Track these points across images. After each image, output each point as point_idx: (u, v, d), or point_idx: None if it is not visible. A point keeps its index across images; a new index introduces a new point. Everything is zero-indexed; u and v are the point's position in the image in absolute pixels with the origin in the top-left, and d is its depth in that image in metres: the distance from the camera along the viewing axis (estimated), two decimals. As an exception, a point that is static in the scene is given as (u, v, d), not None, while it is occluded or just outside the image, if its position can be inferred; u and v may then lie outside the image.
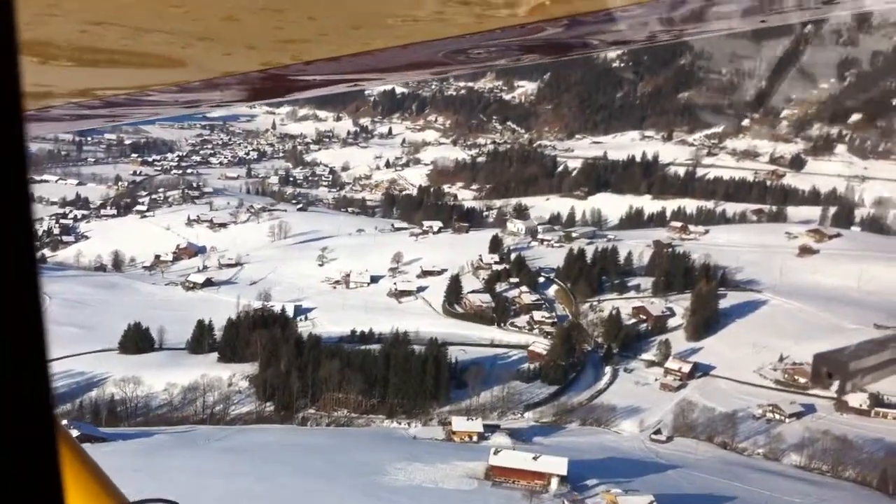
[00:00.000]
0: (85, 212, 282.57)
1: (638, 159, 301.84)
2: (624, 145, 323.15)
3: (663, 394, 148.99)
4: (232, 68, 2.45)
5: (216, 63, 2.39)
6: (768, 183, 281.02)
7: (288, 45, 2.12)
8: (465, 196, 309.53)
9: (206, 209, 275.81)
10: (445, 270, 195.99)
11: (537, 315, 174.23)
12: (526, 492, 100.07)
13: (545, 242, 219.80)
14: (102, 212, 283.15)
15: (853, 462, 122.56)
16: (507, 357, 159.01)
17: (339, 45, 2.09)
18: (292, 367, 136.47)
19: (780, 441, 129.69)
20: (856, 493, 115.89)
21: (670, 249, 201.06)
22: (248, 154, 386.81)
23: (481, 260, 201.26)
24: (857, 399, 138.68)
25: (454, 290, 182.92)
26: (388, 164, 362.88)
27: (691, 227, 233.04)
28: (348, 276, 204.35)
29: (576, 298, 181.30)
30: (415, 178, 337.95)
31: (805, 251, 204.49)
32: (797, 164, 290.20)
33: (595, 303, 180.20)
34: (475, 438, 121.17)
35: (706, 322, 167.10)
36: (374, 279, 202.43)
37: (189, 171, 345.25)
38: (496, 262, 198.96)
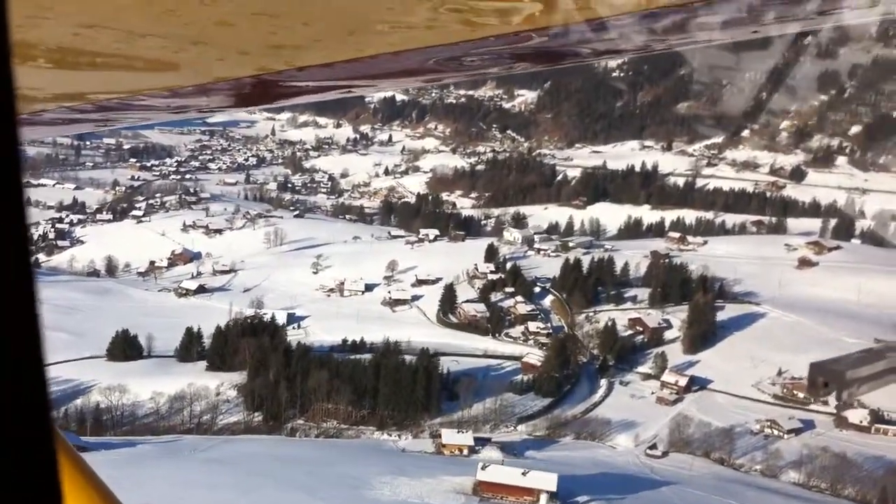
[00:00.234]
0: (81, 216, 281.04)
1: (637, 169, 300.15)
2: (623, 155, 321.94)
3: (659, 408, 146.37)
4: (225, 73, 2.44)
5: (209, 68, 2.38)
6: (768, 194, 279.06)
7: (281, 51, 2.12)
8: (464, 204, 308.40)
9: (203, 215, 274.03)
10: (441, 279, 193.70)
11: (532, 326, 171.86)
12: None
13: (541, 252, 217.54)
14: (98, 217, 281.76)
15: (852, 480, 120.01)
16: (501, 368, 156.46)
17: (333, 51, 2.08)
18: (281, 377, 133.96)
19: (777, 457, 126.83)
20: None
21: (668, 260, 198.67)
22: (247, 160, 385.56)
23: (477, 269, 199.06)
24: (857, 415, 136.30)
25: (448, 300, 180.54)
26: (387, 172, 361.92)
27: (690, 238, 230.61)
28: (342, 283, 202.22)
29: (571, 309, 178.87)
30: (414, 186, 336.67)
31: (804, 263, 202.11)
32: (797, 175, 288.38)
33: (591, 314, 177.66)
34: (465, 452, 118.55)
35: (703, 335, 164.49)
36: (369, 287, 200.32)
37: (187, 176, 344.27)
38: (492, 272, 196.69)
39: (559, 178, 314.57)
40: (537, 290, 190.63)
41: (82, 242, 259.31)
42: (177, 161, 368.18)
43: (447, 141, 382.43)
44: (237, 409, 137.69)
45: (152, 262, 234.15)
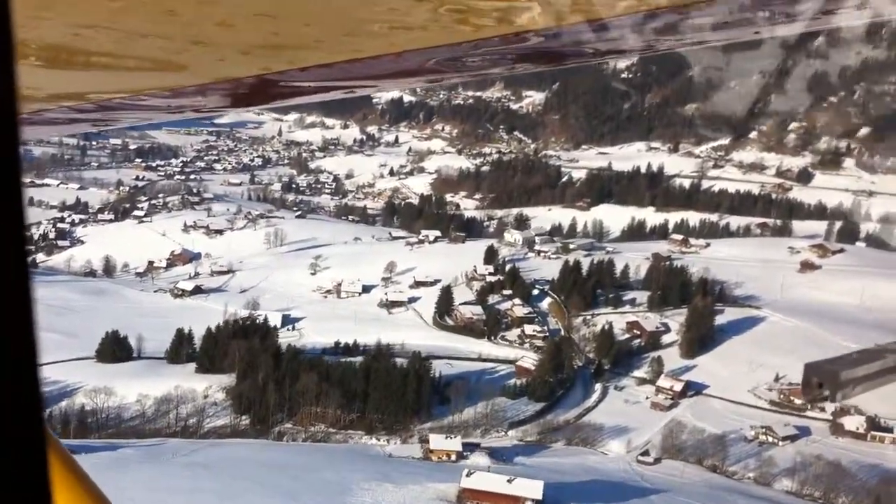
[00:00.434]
0: (83, 216, 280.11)
1: (643, 171, 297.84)
2: (630, 156, 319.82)
3: (654, 413, 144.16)
4: (226, 73, 2.44)
5: (210, 68, 2.38)
6: (774, 196, 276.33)
7: (282, 51, 2.12)
8: (468, 205, 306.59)
9: (205, 215, 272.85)
10: (439, 281, 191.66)
11: (528, 329, 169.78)
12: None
13: (542, 254, 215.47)
14: (100, 217, 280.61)
15: (846, 489, 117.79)
16: (495, 372, 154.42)
17: (333, 51, 2.08)
18: (269, 380, 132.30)
19: (771, 465, 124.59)
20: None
21: (668, 263, 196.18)
22: (252, 161, 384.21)
23: (475, 271, 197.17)
24: (853, 422, 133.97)
25: (445, 302, 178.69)
26: (392, 173, 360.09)
27: (692, 241, 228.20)
28: (340, 285, 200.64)
29: (569, 312, 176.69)
30: (418, 187, 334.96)
31: (807, 266, 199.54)
32: (804, 177, 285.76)
33: (589, 317, 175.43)
34: (453, 458, 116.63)
35: (701, 339, 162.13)
36: (367, 289, 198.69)
37: (192, 177, 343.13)
38: (490, 274, 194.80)
39: (564, 179, 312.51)
40: (536, 292, 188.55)
41: (82, 242, 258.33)
42: (182, 161, 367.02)
43: (454, 142, 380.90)
44: (225, 412, 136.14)
45: (151, 263, 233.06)
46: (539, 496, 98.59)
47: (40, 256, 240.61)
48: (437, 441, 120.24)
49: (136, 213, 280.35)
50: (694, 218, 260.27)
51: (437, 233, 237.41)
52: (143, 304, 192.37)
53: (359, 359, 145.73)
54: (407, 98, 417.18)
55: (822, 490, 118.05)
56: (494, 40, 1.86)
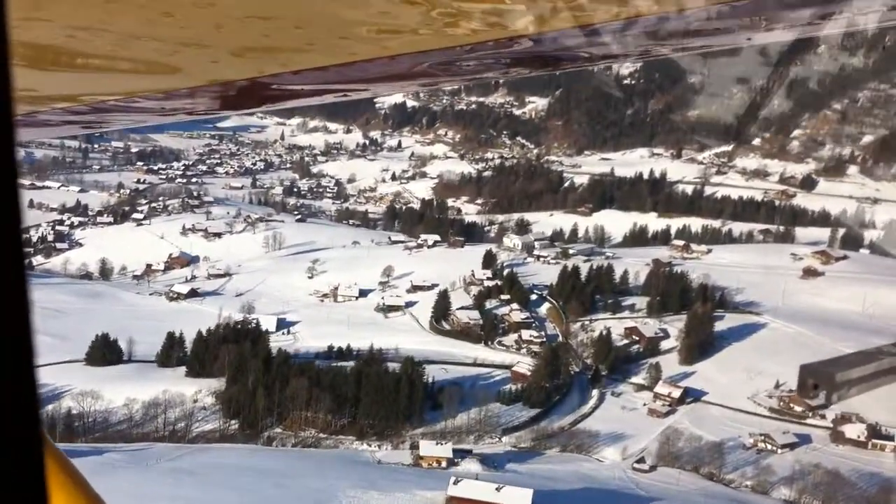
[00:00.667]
0: (82, 219, 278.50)
1: (646, 177, 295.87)
2: (632, 162, 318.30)
3: (651, 420, 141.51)
4: (219, 76, 2.45)
5: (204, 70, 2.38)
6: (777, 203, 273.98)
7: (275, 54, 2.13)
8: (470, 210, 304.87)
9: (204, 219, 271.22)
10: (437, 285, 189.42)
11: (525, 334, 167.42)
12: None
13: (541, 259, 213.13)
14: (99, 219, 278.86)
15: (845, 497, 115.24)
16: (490, 377, 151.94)
17: (327, 54, 2.08)
18: (259, 384, 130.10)
19: (769, 473, 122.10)
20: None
21: (668, 269, 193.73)
22: (254, 164, 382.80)
23: (473, 275, 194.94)
24: (854, 430, 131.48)
25: (442, 307, 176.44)
26: (394, 177, 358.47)
27: (693, 247, 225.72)
28: (336, 289, 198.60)
29: (567, 317, 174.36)
30: (420, 192, 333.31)
31: (809, 273, 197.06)
32: (808, 184, 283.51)
33: (587, 322, 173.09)
34: (444, 464, 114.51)
35: (700, 345, 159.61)
36: (363, 293, 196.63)
37: (193, 180, 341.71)
38: (488, 278, 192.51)
39: (566, 184, 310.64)
40: (534, 297, 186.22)
41: (81, 245, 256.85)
42: (184, 165, 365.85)
43: (456, 147, 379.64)
44: (214, 416, 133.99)
45: (149, 266, 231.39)
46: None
47: (38, 259, 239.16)
48: (428, 447, 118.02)
49: (135, 215, 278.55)
50: (696, 224, 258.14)
51: (437, 237, 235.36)
52: (138, 307, 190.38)
53: (351, 363, 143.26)
54: (410, 103, 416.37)
55: (820, 499, 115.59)
56: (488, 44, 1.86)
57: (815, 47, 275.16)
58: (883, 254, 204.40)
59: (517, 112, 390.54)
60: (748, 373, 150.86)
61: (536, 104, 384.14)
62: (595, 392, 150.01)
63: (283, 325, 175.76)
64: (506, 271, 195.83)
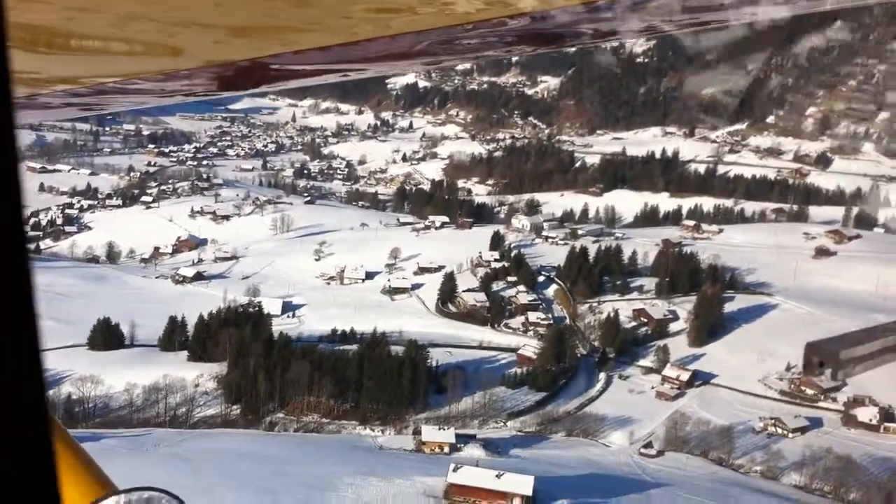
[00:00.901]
0: (92, 202, 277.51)
1: (658, 156, 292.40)
2: (645, 141, 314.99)
3: (659, 403, 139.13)
4: (220, 56, 2.44)
5: (204, 51, 2.38)
6: (791, 181, 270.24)
7: (276, 34, 2.13)
8: (480, 191, 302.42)
9: (213, 201, 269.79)
10: (444, 267, 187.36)
11: (532, 316, 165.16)
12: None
13: (550, 240, 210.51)
14: (108, 202, 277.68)
15: (857, 483, 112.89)
16: (496, 360, 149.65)
17: (328, 34, 2.07)
18: (260, 369, 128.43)
19: (779, 458, 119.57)
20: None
21: (678, 249, 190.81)
22: (266, 146, 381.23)
23: (481, 257, 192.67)
24: (866, 413, 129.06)
25: (448, 289, 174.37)
26: (404, 158, 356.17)
27: (704, 227, 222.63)
28: (343, 271, 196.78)
29: (574, 299, 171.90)
30: (431, 173, 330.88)
31: (821, 253, 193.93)
32: (823, 162, 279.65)
33: (595, 304, 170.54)
34: (446, 450, 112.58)
35: (710, 327, 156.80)
36: (370, 275, 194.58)
37: (204, 162, 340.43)
38: (496, 260, 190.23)
39: (577, 164, 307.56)
40: (542, 279, 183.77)
41: (90, 228, 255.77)
42: (195, 147, 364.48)
43: (468, 127, 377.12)
44: (216, 401, 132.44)
45: (157, 249, 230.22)
46: (529, 492, 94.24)
47: (47, 242, 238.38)
48: (430, 433, 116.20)
49: (144, 198, 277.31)
50: (708, 203, 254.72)
51: (445, 218, 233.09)
52: (143, 290, 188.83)
53: (355, 347, 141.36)
54: (422, 83, 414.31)
55: (831, 485, 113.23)
56: (489, 22, 1.84)
57: (832, 23, 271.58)
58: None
59: (529, 92, 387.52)
60: (759, 355, 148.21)
61: (549, 83, 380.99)
62: (602, 375, 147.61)
63: (288, 308, 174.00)
64: (513, 253, 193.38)
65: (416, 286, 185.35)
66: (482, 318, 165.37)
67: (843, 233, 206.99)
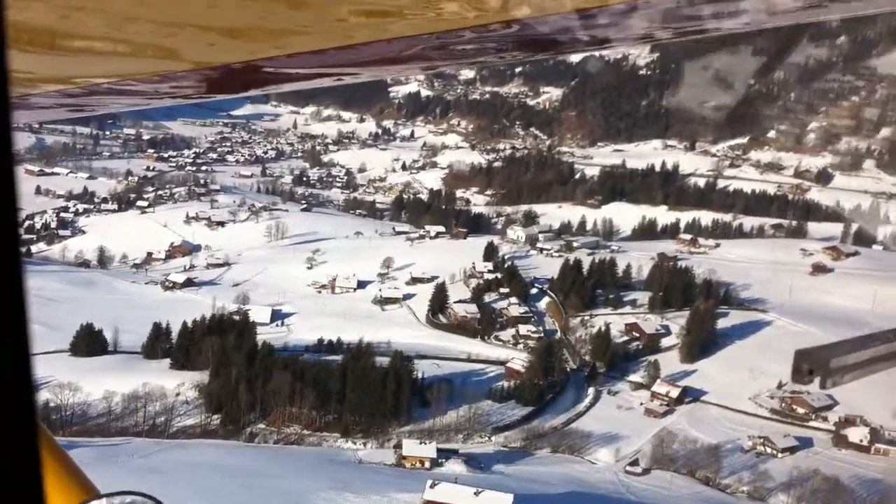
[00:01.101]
0: (87, 206, 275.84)
1: (658, 169, 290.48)
2: (645, 154, 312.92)
3: (647, 420, 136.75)
4: (215, 59, 2.43)
5: (199, 53, 2.37)
6: (790, 197, 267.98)
7: (271, 37, 2.12)
8: (479, 201, 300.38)
9: (208, 207, 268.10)
10: (437, 278, 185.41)
11: (523, 329, 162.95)
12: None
13: (544, 252, 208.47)
14: (104, 206, 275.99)
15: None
16: (484, 373, 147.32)
17: (323, 37, 2.06)
18: (242, 378, 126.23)
19: (767, 478, 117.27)
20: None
21: (673, 263, 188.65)
22: (266, 153, 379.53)
23: (474, 268, 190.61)
24: (856, 434, 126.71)
25: (439, 300, 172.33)
26: (404, 167, 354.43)
27: (701, 241, 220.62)
28: (335, 280, 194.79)
29: (566, 312, 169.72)
30: (430, 182, 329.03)
31: (818, 269, 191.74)
32: (824, 178, 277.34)
33: (587, 317, 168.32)
34: (427, 465, 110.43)
35: (702, 342, 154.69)
36: (362, 284, 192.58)
37: (203, 168, 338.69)
38: (489, 271, 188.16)
39: (577, 176, 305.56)
40: (534, 291, 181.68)
41: (84, 232, 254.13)
42: (195, 153, 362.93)
43: (469, 137, 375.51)
44: (196, 410, 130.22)
45: (150, 254, 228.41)
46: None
47: (41, 246, 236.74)
48: (411, 447, 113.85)
49: (140, 203, 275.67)
50: (707, 217, 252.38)
51: (440, 228, 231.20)
52: (132, 296, 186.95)
53: (339, 358, 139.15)
54: (424, 92, 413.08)
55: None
56: (483, 27, 1.83)
57: (835, 37, 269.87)
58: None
59: (531, 102, 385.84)
60: (750, 372, 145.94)
61: (551, 94, 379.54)
62: (591, 390, 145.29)
63: (277, 316, 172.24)
64: (507, 264, 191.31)
65: (407, 296, 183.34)
66: (472, 330, 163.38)
67: (841, 249, 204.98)
